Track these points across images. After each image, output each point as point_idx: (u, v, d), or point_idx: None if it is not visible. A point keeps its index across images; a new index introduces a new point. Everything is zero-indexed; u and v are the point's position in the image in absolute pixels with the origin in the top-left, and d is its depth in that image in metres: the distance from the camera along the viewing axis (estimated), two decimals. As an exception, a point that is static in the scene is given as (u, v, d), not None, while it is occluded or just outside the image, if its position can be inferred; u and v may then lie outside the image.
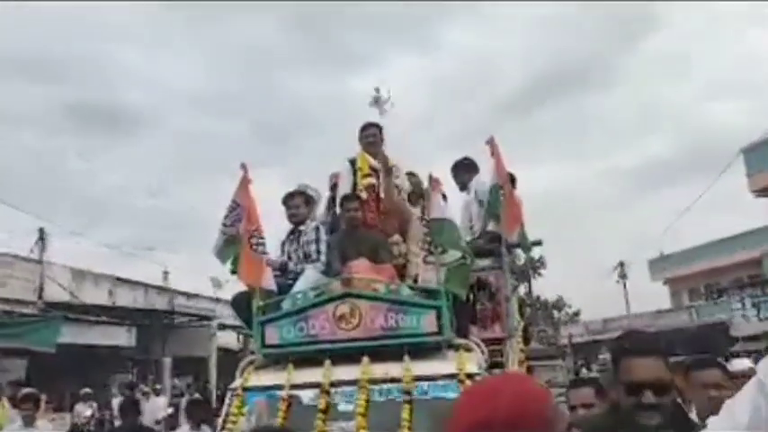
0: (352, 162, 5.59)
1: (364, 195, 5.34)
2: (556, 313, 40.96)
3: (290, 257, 5.07)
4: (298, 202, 5.25)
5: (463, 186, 6.10)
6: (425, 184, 5.24)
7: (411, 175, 5.86)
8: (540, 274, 39.21)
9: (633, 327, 27.16)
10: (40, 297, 16.55)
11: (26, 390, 9.67)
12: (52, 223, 18.75)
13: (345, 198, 5.19)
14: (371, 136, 5.67)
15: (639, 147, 72.71)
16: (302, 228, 5.16)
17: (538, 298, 38.22)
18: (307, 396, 3.96)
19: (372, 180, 5.47)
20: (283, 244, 5.17)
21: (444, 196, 5.25)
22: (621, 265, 36.33)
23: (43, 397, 12.86)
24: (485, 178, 5.79)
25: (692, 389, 2.96)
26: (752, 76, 62.05)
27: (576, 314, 40.95)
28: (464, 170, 6.10)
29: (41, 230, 17.90)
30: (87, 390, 13.73)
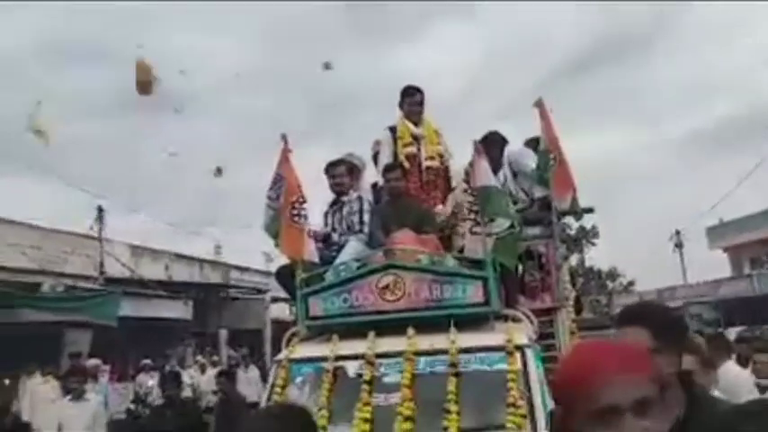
0: (393, 130, 5.45)
1: (406, 165, 5.22)
2: (609, 283, 40.13)
3: (333, 229, 5.01)
4: (341, 171, 5.15)
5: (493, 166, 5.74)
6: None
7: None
8: (593, 244, 38.44)
9: (689, 296, 26.45)
10: (101, 273, 17.13)
11: (92, 362, 10.05)
12: (110, 201, 19.30)
13: (387, 168, 5.08)
14: (416, 104, 5.50)
15: (697, 112, 69.93)
16: (345, 198, 5.08)
17: (591, 268, 37.57)
18: (351, 368, 3.92)
19: (413, 149, 5.34)
20: (326, 215, 5.11)
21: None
22: (678, 233, 35.18)
23: (107, 367, 13.51)
24: (515, 146, 5.60)
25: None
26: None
27: (631, 284, 40.03)
28: (491, 147, 5.70)
29: (100, 208, 18.46)
30: (147, 361, 14.20)
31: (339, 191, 5.12)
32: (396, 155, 5.33)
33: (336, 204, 5.11)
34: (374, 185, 5.54)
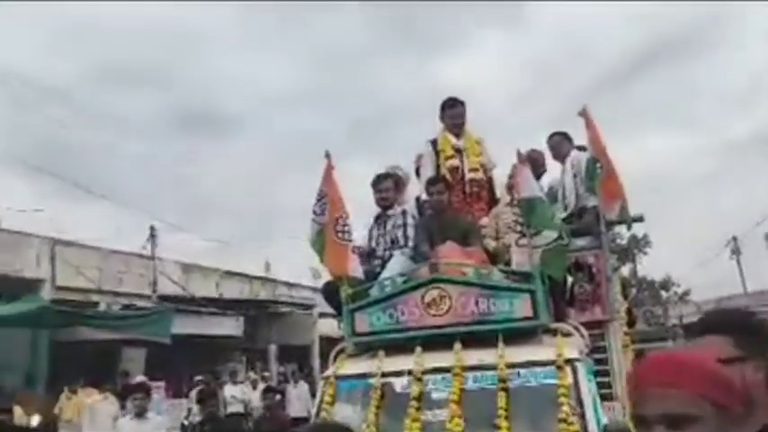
0: (434, 143, 5.43)
1: (449, 178, 5.19)
2: (663, 293, 38.97)
3: (377, 243, 5.01)
4: (388, 185, 5.15)
5: (557, 155, 5.76)
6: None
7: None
8: (645, 253, 37.46)
9: (750, 305, 25.43)
10: (154, 291, 17.56)
11: (138, 379, 10.25)
12: (162, 221, 19.85)
13: (430, 181, 5.06)
14: (458, 116, 5.47)
15: (750, 115, 67.64)
16: (390, 212, 5.08)
17: (643, 278, 36.57)
18: (399, 384, 3.90)
19: (456, 161, 5.31)
20: (371, 229, 5.12)
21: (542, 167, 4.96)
22: (734, 239, 33.96)
23: (162, 384, 13.79)
24: (581, 155, 5.51)
25: None
26: None
27: (686, 294, 38.79)
28: (560, 140, 5.76)
29: (152, 228, 18.97)
30: (200, 377, 14.45)
31: (384, 205, 5.13)
32: (438, 168, 5.31)
33: (381, 218, 5.12)
34: (417, 199, 5.53)
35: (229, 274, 21.33)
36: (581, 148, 5.42)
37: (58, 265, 15.22)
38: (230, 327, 17.84)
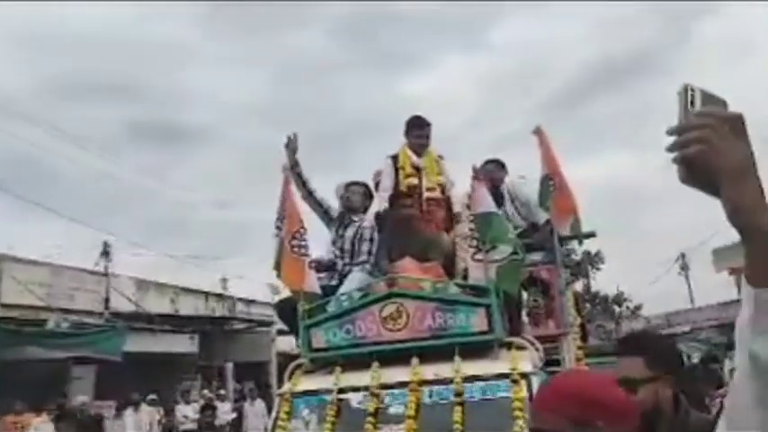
0: (394, 159, 5.47)
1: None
2: (616, 308, 39.78)
3: (341, 250, 5.03)
4: (357, 190, 5.32)
5: (492, 182, 5.79)
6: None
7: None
8: (598, 269, 38.23)
9: (697, 320, 26.18)
10: (106, 308, 17.09)
11: (80, 399, 9.93)
12: (116, 237, 19.41)
13: (399, 195, 5.10)
14: (424, 137, 5.50)
15: (701, 133, 69.73)
16: (355, 218, 5.13)
17: (597, 293, 37.30)
18: (355, 399, 3.89)
19: (414, 180, 5.35)
20: (337, 230, 5.14)
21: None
22: (683, 256, 35.00)
23: (112, 403, 13.39)
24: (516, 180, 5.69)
25: None
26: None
27: (638, 308, 39.68)
28: (494, 168, 5.76)
29: (105, 243, 18.51)
30: (153, 396, 14.09)
31: (350, 206, 5.23)
32: (397, 185, 5.34)
33: (345, 220, 5.16)
34: (377, 215, 5.55)
35: (185, 290, 20.94)
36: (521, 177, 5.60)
37: (5, 281, 14.70)
38: (185, 344, 17.49)
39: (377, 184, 5.66)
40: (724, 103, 1.01)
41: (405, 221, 4.94)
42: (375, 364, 3.95)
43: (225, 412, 14.63)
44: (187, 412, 13.50)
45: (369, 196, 5.48)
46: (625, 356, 2.07)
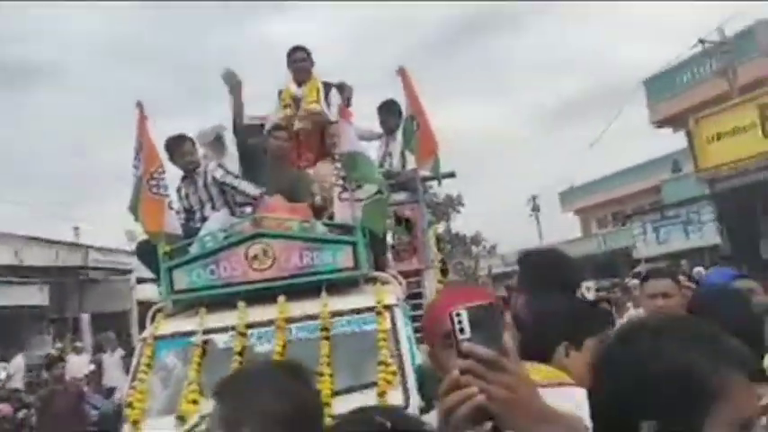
0: (280, 93, 5.42)
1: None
2: (474, 248, 42.10)
3: (190, 203, 4.84)
4: (188, 148, 4.86)
5: (390, 131, 5.74)
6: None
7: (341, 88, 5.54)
8: (458, 212, 40.02)
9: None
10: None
11: None
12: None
13: (273, 127, 4.98)
14: (299, 60, 5.45)
15: (552, 86, 74.56)
16: (197, 172, 4.87)
17: (457, 234, 39.19)
18: (222, 340, 3.86)
19: (290, 111, 5.27)
20: (179, 189, 4.90)
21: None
22: (534, 198, 37.62)
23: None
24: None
25: (644, 299, 3.01)
26: (653, 12, 64.24)
27: (494, 248, 42.26)
28: (389, 113, 5.70)
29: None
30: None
31: (188, 168, 4.87)
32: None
33: (188, 179, 4.91)
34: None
35: (32, 240, 19.37)
36: (389, 102, 5.61)
37: None
38: (34, 296, 16.35)
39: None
40: (489, 314, 1.07)
41: (282, 154, 4.89)
42: (241, 304, 3.93)
43: (81, 365, 13.94)
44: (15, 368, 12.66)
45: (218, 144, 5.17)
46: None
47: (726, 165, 13.75)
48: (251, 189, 4.74)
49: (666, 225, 17.54)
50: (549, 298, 2.12)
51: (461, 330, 1.05)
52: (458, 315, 1.05)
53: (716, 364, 0.90)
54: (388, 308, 3.84)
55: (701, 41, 17.23)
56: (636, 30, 74.71)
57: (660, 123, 20.42)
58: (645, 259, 16.87)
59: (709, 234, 15.76)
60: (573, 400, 1.28)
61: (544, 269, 2.35)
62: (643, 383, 0.92)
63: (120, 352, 13.51)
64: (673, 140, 20.08)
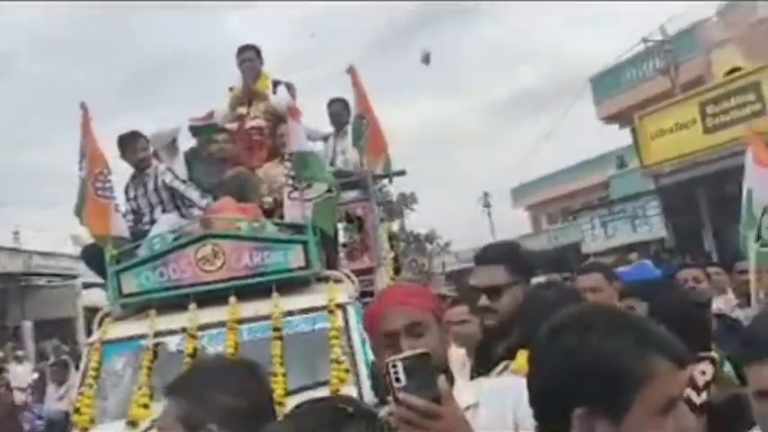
0: (231, 90, 5.37)
1: (233, 126, 5.09)
2: (429, 246, 42.44)
3: (139, 204, 4.74)
4: (142, 145, 4.76)
5: (341, 127, 5.74)
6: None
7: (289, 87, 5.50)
8: (412, 210, 40.26)
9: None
10: None
11: None
12: None
13: (215, 130, 4.92)
14: (247, 60, 5.41)
15: (503, 82, 75.88)
16: (147, 171, 4.78)
17: (411, 232, 39.44)
18: (173, 342, 3.82)
19: (243, 109, 5.23)
20: (127, 189, 4.80)
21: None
22: (486, 195, 38.19)
23: None
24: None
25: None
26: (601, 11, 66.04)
27: (448, 245, 42.66)
28: (342, 108, 5.72)
29: None
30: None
31: (141, 166, 4.77)
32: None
33: (138, 178, 4.80)
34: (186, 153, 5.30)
35: (-33, 246, 18.65)
36: (338, 101, 5.65)
37: None
38: (-28, 305, 15.73)
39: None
40: (423, 362, 1.18)
41: (224, 157, 4.84)
42: (192, 306, 3.89)
43: (23, 374, 13.49)
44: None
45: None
46: (487, 265, 2.20)
47: (669, 160, 14.20)
48: (196, 197, 4.68)
49: (614, 220, 18.01)
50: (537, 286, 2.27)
51: (397, 380, 1.13)
52: (393, 366, 1.14)
53: (639, 351, 0.96)
54: (341, 306, 3.86)
55: (645, 40, 17.79)
56: (585, 27, 76.67)
57: (607, 120, 20.95)
58: (593, 254, 17.28)
59: (655, 228, 16.27)
60: None
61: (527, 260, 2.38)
62: (572, 374, 0.97)
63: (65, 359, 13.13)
64: (620, 137, 20.64)
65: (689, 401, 2.01)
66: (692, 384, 1.98)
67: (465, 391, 1.63)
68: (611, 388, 0.94)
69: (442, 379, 1.20)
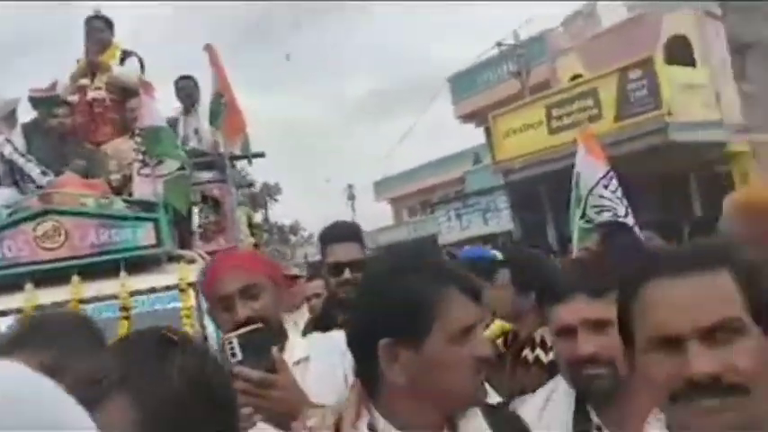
0: (78, 62, 5.04)
1: (74, 99, 4.80)
2: (292, 237, 42.23)
3: None
4: None
5: (192, 105, 5.59)
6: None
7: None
8: (276, 200, 39.86)
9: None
10: None
11: None
12: None
13: (52, 103, 4.61)
14: (96, 32, 5.10)
15: (368, 81, 77.16)
16: None
17: (275, 224, 39.08)
18: (5, 323, 3.55)
19: (86, 80, 4.93)
20: None
21: None
22: (350, 187, 38.66)
23: None
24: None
25: None
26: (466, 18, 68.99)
27: (311, 236, 42.69)
28: (193, 86, 5.59)
29: None
30: None
31: None
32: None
33: None
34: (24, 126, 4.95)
35: None
36: (185, 78, 5.56)
37: None
38: None
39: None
40: (258, 336, 1.30)
41: (65, 132, 4.56)
42: (29, 286, 3.67)
43: None
44: None
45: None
46: (344, 242, 2.43)
47: (517, 158, 15.20)
48: (36, 173, 4.40)
49: (468, 213, 19.00)
50: None
51: (233, 355, 1.22)
52: (230, 343, 1.23)
53: (437, 286, 1.09)
54: (192, 285, 3.79)
55: (499, 44, 18.87)
56: (447, 29, 79.69)
57: (464, 119, 21.97)
58: (449, 244, 18.11)
59: (504, 221, 17.35)
60: None
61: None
62: (380, 310, 1.10)
63: None
64: (475, 135, 21.74)
65: (537, 360, 2.27)
66: (541, 344, 2.24)
67: (297, 346, 1.73)
68: (411, 319, 1.07)
69: (275, 350, 1.31)
